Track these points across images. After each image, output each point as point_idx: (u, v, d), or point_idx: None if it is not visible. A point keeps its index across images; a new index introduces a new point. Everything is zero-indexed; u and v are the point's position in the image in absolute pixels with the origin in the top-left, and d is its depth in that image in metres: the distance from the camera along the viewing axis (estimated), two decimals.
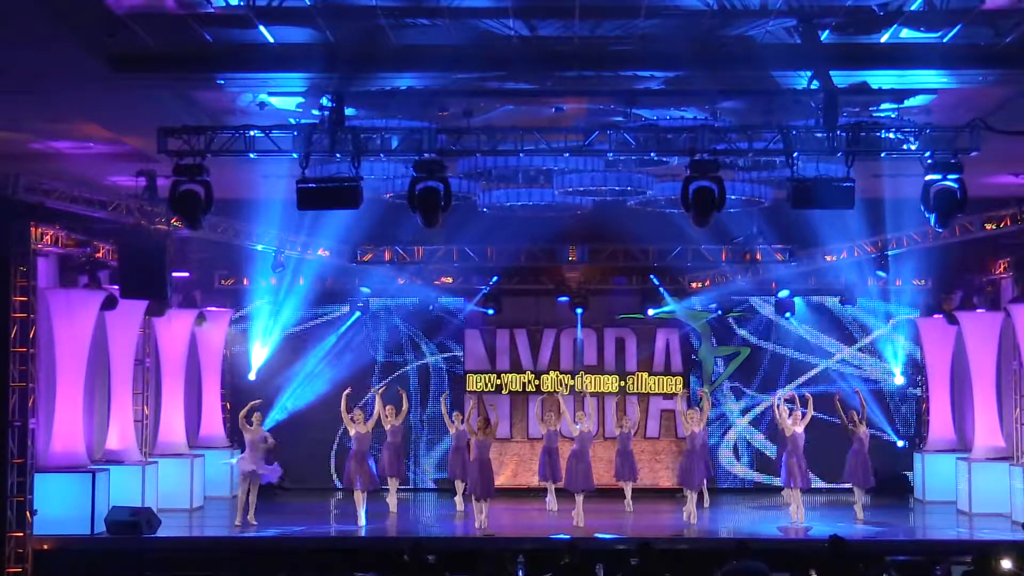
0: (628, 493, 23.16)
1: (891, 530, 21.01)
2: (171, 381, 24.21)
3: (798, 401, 22.01)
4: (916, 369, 26.56)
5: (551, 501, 23.04)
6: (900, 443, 25.55)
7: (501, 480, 25.39)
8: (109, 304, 20.32)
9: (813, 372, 26.84)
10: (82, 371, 20.31)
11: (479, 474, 20.54)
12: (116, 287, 19.49)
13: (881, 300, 26.15)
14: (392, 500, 22.65)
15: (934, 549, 18.49)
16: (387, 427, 22.34)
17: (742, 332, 26.94)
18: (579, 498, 21.45)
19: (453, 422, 23.14)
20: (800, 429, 21.25)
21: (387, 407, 22.30)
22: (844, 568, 13.52)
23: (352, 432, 21.13)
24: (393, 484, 22.77)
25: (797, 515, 21.26)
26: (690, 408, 22.96)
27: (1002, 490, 21.67)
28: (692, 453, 21.68)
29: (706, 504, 23.27)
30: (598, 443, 24.89)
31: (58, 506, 19.16)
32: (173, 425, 24.03)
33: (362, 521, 20.76)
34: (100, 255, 20.56)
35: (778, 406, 21.91)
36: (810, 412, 21.40)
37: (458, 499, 22.98)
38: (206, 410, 25.85)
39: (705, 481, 22.40)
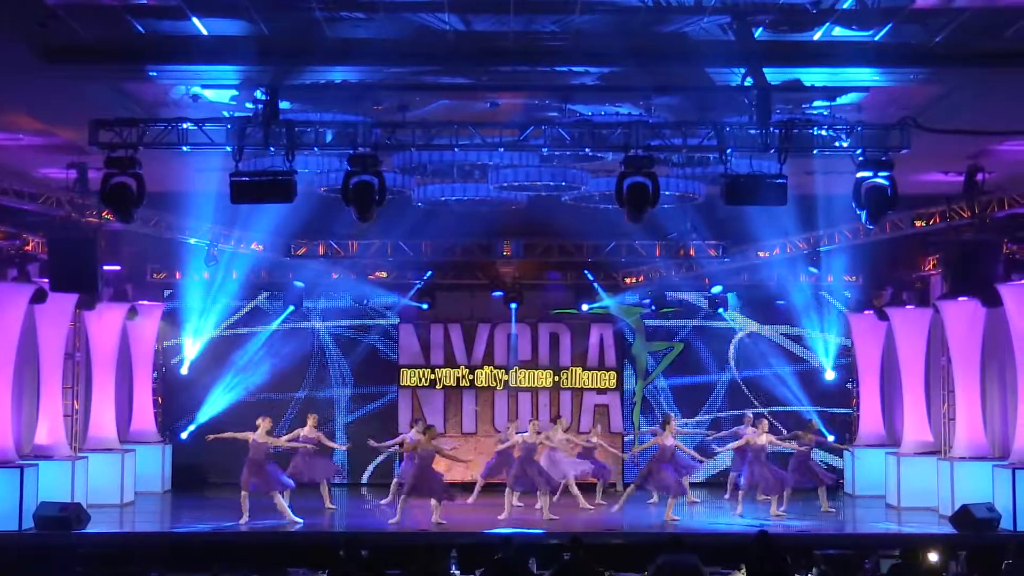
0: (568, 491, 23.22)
1: (820, 524, 21.16)
2: (102, 375, 23.99)
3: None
4: (847, 364, 26.81)
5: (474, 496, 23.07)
6: (830, 438, 25.75)
7: None
8: (39, 297, 20.07)
9: (745, 368, 27.06)
10: (11, 365, 20.07)
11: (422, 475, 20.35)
12: (46, 280, 19.30)
13: (812, 296, 26.37)
14: (325, 496, 22.56)
15: (863, 543, 18.70)
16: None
17: (674, 327, 27.11)
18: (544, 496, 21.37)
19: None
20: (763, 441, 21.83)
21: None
22: (772, 562, 13.61)
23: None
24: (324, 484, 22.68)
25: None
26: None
27: (930, 484, 21.91)
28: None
29: (654, 498, 23.44)
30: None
31: None
32: (104, 420, 23.80)
33: (246, 519, 20.32)
34: (30, 248, 20.27)
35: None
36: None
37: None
38: (137, 404, 25.62)
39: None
